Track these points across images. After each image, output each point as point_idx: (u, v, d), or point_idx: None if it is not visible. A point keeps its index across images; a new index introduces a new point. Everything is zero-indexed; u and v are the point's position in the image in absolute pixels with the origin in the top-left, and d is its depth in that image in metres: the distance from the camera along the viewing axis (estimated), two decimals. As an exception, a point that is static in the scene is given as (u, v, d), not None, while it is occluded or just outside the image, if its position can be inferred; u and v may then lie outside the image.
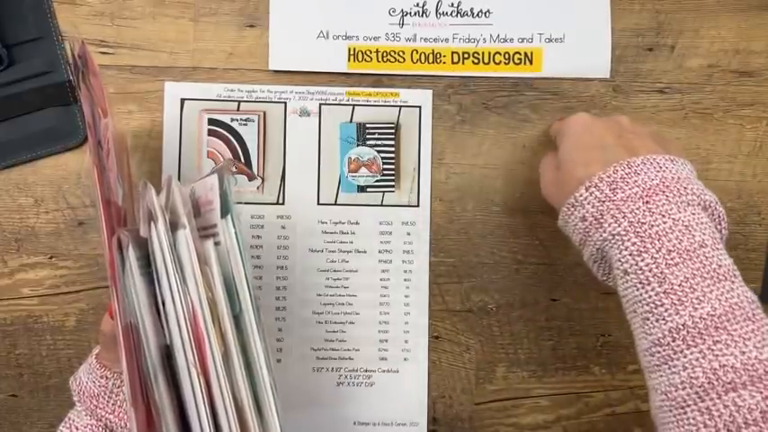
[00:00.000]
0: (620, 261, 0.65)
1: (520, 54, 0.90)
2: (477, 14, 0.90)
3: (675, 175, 0.66)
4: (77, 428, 0.72)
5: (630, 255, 0.64)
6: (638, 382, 0.90)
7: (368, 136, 0.90)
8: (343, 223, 0.90)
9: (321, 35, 0.90)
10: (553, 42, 0.90)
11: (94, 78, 0.72)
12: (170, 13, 0.89)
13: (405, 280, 0.90)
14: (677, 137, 0.90)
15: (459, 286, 0.90)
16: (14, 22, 0.87)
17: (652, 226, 0.63)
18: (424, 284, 0.90)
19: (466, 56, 0.90)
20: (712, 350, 0.58)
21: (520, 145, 0.90)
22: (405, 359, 0.90)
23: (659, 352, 0.61)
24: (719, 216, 0.68)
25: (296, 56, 0.90)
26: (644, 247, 0.63)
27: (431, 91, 0.90)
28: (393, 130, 0.90)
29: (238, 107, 0.89)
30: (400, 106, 0.90)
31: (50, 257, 0.88)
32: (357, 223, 0.90)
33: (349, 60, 0.90)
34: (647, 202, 0.64)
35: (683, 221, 0.63)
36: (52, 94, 0.87)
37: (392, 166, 0.90)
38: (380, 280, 0.90)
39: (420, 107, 0.90)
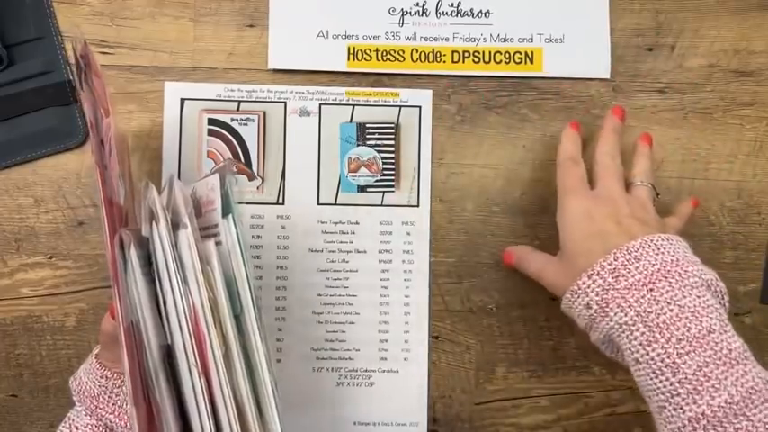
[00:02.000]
0: (629, 350, 0.65)
1: (520, 53, 0.90)
2: (477, 14, 0.90)
3: (674, 256, 0.67)
4: (77, 428, 0.72)
5: (640, 344, 0.64)
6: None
7: (368, 136, 0.90)
8: (343, 223, 0.90)
9: (321, 34, 0.90)
10: (553, 42, 0.90)
11: (96, 78, 0.72)
12: (170, 13, 0.89)
13: (405, 280, 0.90)
14: (677, 137, 0.90)
15: (459, 286, 0.90)
16: (14, 22, 0.87)
17: (659, 315, 0.63)
18: (424, 284, 0.90)
19: (466, 55, 0.90)
20: None
21: (520, 145, 0.90)
22: (405, 359, 0.90)
23: None
24: (721, 292, 0.68)
25: (295, 55, 0.90)
26: (653, 336, 0.63)
27: (431, 91, 0.90)
28: (393, 130, 0.90)
29: (238, 107, 0.89)
30: (400, 106, 0.90)
31: (50, 257, 0.88)
32: (357, 223, 0.90)
33: (348, 59, 0.90)
34: (652, 289, 0.64)
35: (688, 307, 0.63)
36: (52, 94, 0.87)
37: (392, 166, 0.90)
38: (380, 280, 0.90)
39: (420, 107, 0.90)
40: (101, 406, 0.71)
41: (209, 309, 0.57)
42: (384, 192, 0.90)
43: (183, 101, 0.89)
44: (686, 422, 0.61)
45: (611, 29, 0.90)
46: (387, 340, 0.90)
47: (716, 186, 0.90)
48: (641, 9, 0.91)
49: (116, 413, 0.71)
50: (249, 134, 0.89)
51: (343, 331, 0.90)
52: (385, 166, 0.90)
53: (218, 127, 0.89)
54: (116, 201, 0.66)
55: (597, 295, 0.67)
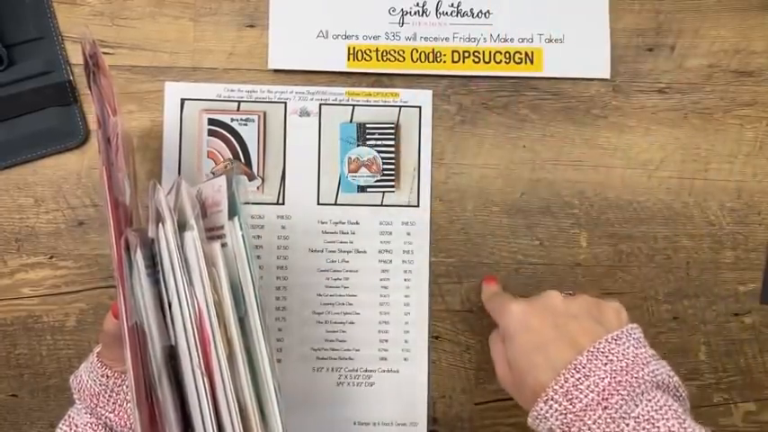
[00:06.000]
0: None
1: (520, 53, 0.90)
2: (477, 15, 0.90)
3: (623, 362, 0.65)
4: (77, 426, 0.72)
5: None
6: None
7: (368, 136, 0.90)
8: (344, 223, 0.90)
9: (321, 34, 0.90)
10: (553, 42, 0.90)
11: (104, 78, 0.72)
12: (170, 13, 0.89)
13: (405, 280, 0.90)
14: (677, 137, 0.90)
15: (459, 286, 0.90)
16: (14, 22, 0.87)
17: None
18: (424, 284, 0.90)
19: (466, 54, 0.90)
20: None
21: (520, 145, 0.90)
22: (405, 359, 0.90)
23: None
24: (676, 386, 0.67)
25: (295, 55, 0.90)
26: None
27: (431, 91, 0.90)
28: (393, 131, 0.90)
29: (238, 107, 0.89)
30: (400, 106, 0.90)
31: (50, 257, 0.88)
32: (357, 223, 0.90)
33: (348, 59, 0.90)
34: (606, 407, 0.62)
35: (643, 416, 0.62)
36: (52, 94, 0.87)
37: (392, 166, 0.90)
38: (380, 280, 0.90)
39: (420, 107, 0.90)
40: (101, 404, 0.71)
41: (215, 311, 0.57)
42: (384, 192, 0.90)
43: (183, 101, 0.89)
44: None
45: (611, 29, 0.90)
46: (387, 340, 0.90)
47: (716, 186, 0.90)
48: (641, 9, 0.91)
49: (116, 412, 0.71)
50: (249, 134, 0.89)
51: (344, 331, 0.90)
52: (385, 166, 0.90)
53: (218, 127, 0.89)
54: (122, 200, 0.66)
55: (557, 420, 0.65)
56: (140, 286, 0.60)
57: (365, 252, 0.90)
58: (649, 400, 0.63)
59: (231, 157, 0.89)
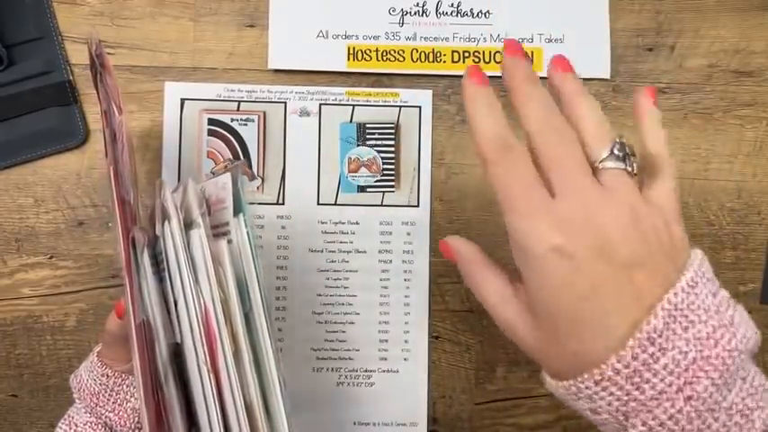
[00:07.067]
0: None
1: (520, 54, 0.90)
2: (477, 15, 0.90)
3: (707, 323, 0.45)
4: (77, 425, 0.72)
5: None
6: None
7: (368, 136, 0.90)
8: (343, 223, 0.90)
9: (321, 34, 0.90)
10: (553, 42, 0.90)
11: (109, 76, 0.71)
12: (170, 13, 0.89)
13: (405, 280, 0.90)
14: (677, 137, 0.90)
15: (459, 286, 0.90)
16: (14, 22, 0.86)
17: (701, 430, 0.44)
18: (424, 284, 0.90)
19: (466, 54, 0.90)
20: None
21: (520, 145, 0.90)
22: (405, 359, 0.90)
23: None
24: (755, 344, 0.48)
25: (295, 55, 0.90)
26: None
27: (431, 91, 0.90)
28: (393, 131, 0.90)
29: (238, 107, 0.89)
30: (400, 106, 0.90)
31: (50, 257, 0.87)
32: (357, 223, 0.90)
33: (348, 59, 0.90)
34: (690, 397, 0.44)
35: (737, 408, 0.44)
36: (52, 94, 0.87)
37: (392, 166, 0.90)
38: (380, 280, 0.90)
39: (420, 107, 0.90)
40: (101, 404, 0.71)
41: (221, 308, 0.57)
42: (384, 192, 0.90)
43: (183, 101, 0.89)
44: None
45: (611, 29, 0.91)
46: (387, 340, 0.90)
47: (716, 186, 0.90)
48: (641, 9, 0.91)
49: (116, 411, 0.71)
50: (249, 134, 0.89)
51: (344, 331, 0.90)
52: (385, 166, 0.90)
53: (218, 127, 0.89)
54: (128, 199, 0.66)
55: (611, 405, 0.46)
56: (147, 283, 0.60)
57: (365, 252, 0.90)
58: (743, 380, 0.45)
59: (231, 157, 0.89)
